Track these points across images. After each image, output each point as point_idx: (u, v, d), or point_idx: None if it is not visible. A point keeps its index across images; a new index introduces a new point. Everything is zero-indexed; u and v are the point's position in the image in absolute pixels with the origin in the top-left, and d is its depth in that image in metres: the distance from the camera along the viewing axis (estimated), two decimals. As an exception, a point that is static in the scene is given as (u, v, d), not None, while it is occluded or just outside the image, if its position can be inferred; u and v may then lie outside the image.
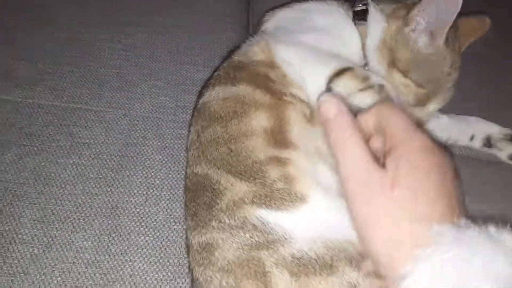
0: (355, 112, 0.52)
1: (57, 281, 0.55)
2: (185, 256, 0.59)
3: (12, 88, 0.72)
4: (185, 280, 0.58)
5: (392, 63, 0.66)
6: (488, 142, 0.76)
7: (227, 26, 0.92)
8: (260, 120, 0.56)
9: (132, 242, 0.60)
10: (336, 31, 0.70)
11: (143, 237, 0.60)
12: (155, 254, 0.59)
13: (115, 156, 0.67)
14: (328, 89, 0.61)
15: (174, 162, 0.68)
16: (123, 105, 0.74)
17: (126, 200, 0.63)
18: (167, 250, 0.60)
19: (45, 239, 0.58)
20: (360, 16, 0.70)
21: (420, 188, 0.42)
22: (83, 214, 0.61)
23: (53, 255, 0.57)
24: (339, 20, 0.71)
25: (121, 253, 0.59)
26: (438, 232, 0.39)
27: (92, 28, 0.84)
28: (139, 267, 0.58)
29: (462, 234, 0.38)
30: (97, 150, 0.68)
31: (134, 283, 0.57)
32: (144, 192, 0.64)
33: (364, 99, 0.60)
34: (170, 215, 0.63)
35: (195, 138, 0.59)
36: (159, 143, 0.70)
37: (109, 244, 0.59)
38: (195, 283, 0.52)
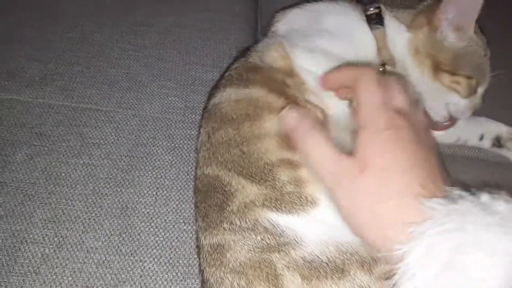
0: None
1: (68, 281, 0.56)
2: (195, 256, 0.59)
3: (23, 88, 0.73)
4: (195, 280, 0.58)
5: (437, 67, 0.69)
6: (498, 142, 0.76)
7: (235, 26, 0.91)
8: (273, 123, 0.56)
9: (142, 242, 0.60)
10: (352, 35, 0.71)
11: (153, 237, 0.60)
12: (165, 254, 0.59)
13: (125, 157, 0.68)
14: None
15: (184, 163, 0.68)
16: (132, 106, 0.74)
17: (136, 201, 0.63)
18: (177, 250, 0.60)
19: (56, 239, 0.58)
20: (374, 20, 0.71)
21: (390, 164, 0.43)
22: (93, 214, 0.61)
23: (64, 255, 0.57)
24: (354, 23, 0.71)
25: (131, 253, 0.59)
26: (429, 206, 0.38)
27: (103, 28, 0.84)
28: (149, 267, 0.58)
29: (454, 206, 0.38)
30: (107, 150, 0.68)
31: (144, 283, 0.57)
32: (154, 193, 0.65)
33: None
34: (180, 216, 0.63)
35: (206, 139, 0.59)
36: (168, 144, 0.70)
37: (119, 244, 0.59)
38: (205, 284, 0.53)
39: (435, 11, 0.67)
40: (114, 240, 0.59)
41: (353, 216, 0.44)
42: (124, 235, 0.60)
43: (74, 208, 0.61)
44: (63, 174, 0.64)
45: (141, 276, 0.57)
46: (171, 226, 0.62)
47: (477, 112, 0.78)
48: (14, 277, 0.55)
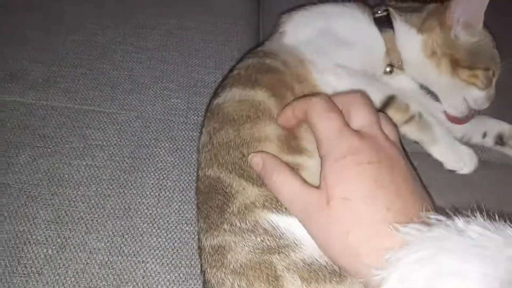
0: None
1: (71, 281, 0.56)
2: (197, 257, 0.59)
3: (26, 90, 0.73)
4: (197, 281, 0.58)
5: (455, 65, 0.72)
6: (501, 140, 0.76)
7: (238, 28, 0.92)
8: (273, 128, 0.56)
9: (144, 243, 0.60)
10: (364, 41, 0.73)
11: (155, 238, 0.61)
12: (167, 255, 0.59)
13: (128, 158, 0.68)
14: None
15: (186, 164, 0.69)
16: (135, 107, 0.74)
17: (139, 202, 0.64)
18: (179, 251, 0.60)
19: (59, 240, 0.59)
20: (383, 23, 0.72)
21: (351, 192, 0.43)
22: (96, 216, 0.61)
23: (66, 256, 0.57)
24: (365, 28, 0.73)
25: (134, 254, 0.59)
26: (405, 232, 0.38)
27: (105, 30, 0.85)
28: (152, 268, 0.58)
29: (429, 233, 0.37)
30: (110, 152, 0.68)
31: (147, 284, 0.57)
32: (156, 194, 0.65)
33: (408, 131, 0.69)
34: (182, 217, 0.63)
35: (207, 140, 0.59)
36: (171, 145, 0.70)
37: (122, 245, 0.59)
38: (207, 285, 0.53)
39: (445, 12, 0.70)
40: (117, 241, 0.60)
41: (327, 247, 0.44)
42: (127, 236, 0.60)
43: (77, 209, 0.62)
44: (66, 176, 0.65)
45: (143, 277, 0.57)
46: (173, 227, 0.62)
47: (480, 111, 0.79)
48: (17, 277, 0.55)
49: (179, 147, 0.70)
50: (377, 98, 0.67)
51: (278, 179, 0.49)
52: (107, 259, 0.58)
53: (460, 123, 0.77)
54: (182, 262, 0.59)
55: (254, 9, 1.01)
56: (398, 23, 0.74)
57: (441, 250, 0.36)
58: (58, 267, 0.57)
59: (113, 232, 0.60)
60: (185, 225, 0.62)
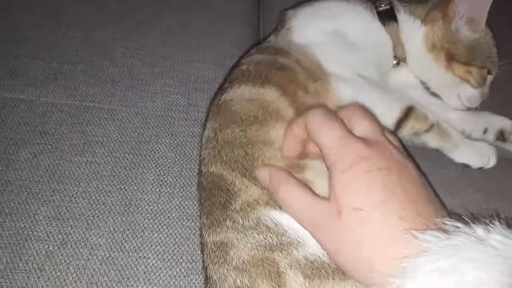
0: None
1: (72, 277, 0.56)
2: (199, 253, 0.59)
3: (26, 87, 0.73)
4: (199, 276, 0.58)
5: (451, 59, 0.72)
6: (502, 135, 0.76)
7: (238, 24, 0.92)
8: (279, 133, 0.56)
9: (145, 239, 0.60)
10: (373, 40, 0.74)
11: (156, 234, 0.61)
12: (168, 251, 0.59)
13: (128, 154, 0.68)
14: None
15: (187, 160, 0.69)
16: (135, 104, 0.74)
17: (140, 198, 0.63)
18: (181, 247, 0.60)
19: (60, 236, 0.59)
20: (387, 17, 0.73)
21: (362, 202, 0.42)
22: (97, 212, 0.61)
23: (68, 252, 0.57)
24: (371, 26, 0.75)
25: (135, 250, 0.59)
26: (423, 239, 0.37)
27: (105, 27, 0.85)
28: (153, 264, 0.58)
29: (449, 241, 0.36)
30: (110, 148, 0.68)
31: (148, 279, 0.57)
32: (157, 190, 0.65)
33: (430, 139, 0.69)
34: (183, 212, 0.63)
35: (212, 136, 0.59)
36: (171, 141, 0.70)
37: (123, 241, 0.59)
38: (209, 281, 0.53)
39: (449, 4, 0.70)
40: (118, 237, 0.60)
41: (339, 258, 0.43)
42: (128, 232, 0.60)
43: (78, 206, 0.62)
44: (67, 172, 0.64)
45: (145, 273, 0.57)
46: (174, 223, 0.62)
47: (481, 107, 0.79)
48: (18, 274, 0.55)
49: (179, 143, 0.70)
50: (397, 108, 0.68)
51: (285, 191, 0.48)
52: (108, 255, 0.58)
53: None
54: (184, 257, 0.59)
55: (254, 5, 1.01)
56: (402, 15, 0.75)
57: (463, 259, 0.35)
58: (60, 263, 0.57)
59: (114, 228, 0.60)
60: (186, 220, 0.62)
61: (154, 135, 0.71)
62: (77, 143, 0.68)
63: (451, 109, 0.78)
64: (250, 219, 0.51)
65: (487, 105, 0.80)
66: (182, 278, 0.58)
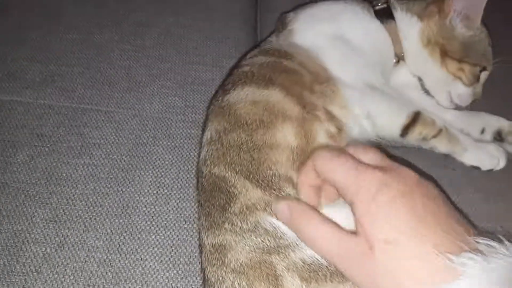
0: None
1: (70, 280, 0.56)
2: (196, 255, 0.59)
3: (24, 89, 0.73)
4: (196, 278, 0.58)
5: (444, 55, 0.73)
6: (499, 135, 0.76)
7: (235, 25, 0.92)
8: (286, 134, 0.56)
9: (143, 241, 0.60)
10: (374, 41, 0.75)
11: (154, 236, 0.61)
12: (166, 253, 0.59)
13: (126, 156, 0.68)
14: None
15: (184, 162, 0.69)
16: (133, 106, 0.74)
17: (137, 200, 0.63)
18: (178, 249, 0.60)
19: (57, 238, 0.59)
20: (384, 15, 0.74)
21: (393, 235, 0.40)
22: (94, 214, 0.61)
23: (65, 254, 0.57)
24: (371, 27, 0.76)
25: (133, 252, 0.59)
26: (460, 262, 0.36)
27: (102, 29, 0.85)
28: (150, 266, 0.58)
29: (487, 264, 0.35)
30: (108, 150, 0.68)
31: (146, 281, 0.57)
32: (155, 192, 0.65)
33: (438, 144, 0.69)
34: (181, 214, 0.63)
35: (216, 138, 0.59)
36: (169, 143, 0.70)
37: (121, 243, 0.59)
38: (206, 283, 0.53)
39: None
40: (115, 239, 0.60)
41: None
42: (125, 234, 0.60)
43: (75, 208, 0.62)
44: (64, 174, 0.64)
45: (142, 275, 0.57)
46: (171, 225, 0.62)
47: (478, 107, 0.79)
48: (16, 276, 0.55)
49: (177, 145, 0.70)
50: (404, 113, 0.68)
51: (309, 228, 0.45)
52: (105, 257, 0.58)
53: None
54: (181, 259, 0.59)
55: (252, 6, 1.01)
56: (399, 13, 0.76)
57: (506, 282, 0.34)
58: (57, 265, 0.57)
59: (111, 230, 0.60)
60: (184, 222, 0.62)
61: (152, 137, 0.71)
62: (75, 145, 0.68)
63: (449, 110, 0.78)
64: (248, 222, 0.51)
65: (484, 105, 0.80)
66: (179, 280, 0.58)
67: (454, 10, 0.72)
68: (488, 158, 0.71)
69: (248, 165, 0.54)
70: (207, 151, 0.59)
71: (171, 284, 0.57)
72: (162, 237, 0.61)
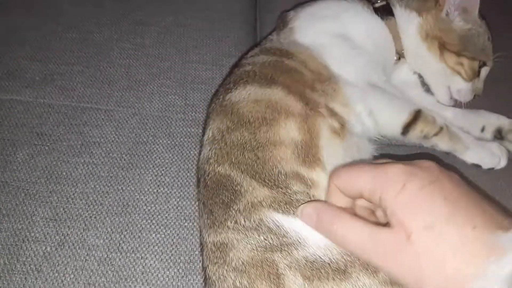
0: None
1: (70, 278, 0.56)
2: (196, 253, 0.59)
3: (24, 88, 0.73)
4: (196, 277, 0.58)
5: (443, 48, 0.74)
6: (499, 133, 0.76)
7: (234, 24, 0.92)
8: (289, 130, 0.57)
9: (143, 239, 0.60)
10: (376, 39, 0.75)
11: (154, 234, 0.61)
12: (166, 251, 0.59)
13: (126, 155, 0.68)
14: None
15: (184, 160, 0.69)
16: (132, 104, 0.74)
17: (137, 198, 0.63)
18: (178, 247, 0.60)
19: (57, 237, 0.59)
20: (384, 12, 0.74)
21: (434, 218, 0.39)
22: (94, 212, 0.61)
23: (65, 253, 0.57)
24: (372, 22, 0.77)
25: (133, 251, 0.59)
26: (508, 239, 0.35)
27: (102, 28, 0.85)
28: (151, 264, 0.58)
29: None
30: (108, 149, 0.68)
31: (146, 280, 0.57)
32: (155, 190, 0.65)
33: (440, 142, 0.70)
34: (181, 213, 0.63)
35: (219, 137, 0.59)
36: (168, 142, 0.70)
37: (121, 242, 0.59)
38: (207, 281, 0.53)
39: None
40: (116, 238, 0.60)
41: (422, 283, 0.39)
42: (125, 232, 0.60)
43: (75, 207, 0.61)
44: (64, 173, 0.64)
45: (142, 273, 0.57)
46: (172, 223, 0.62)
47: (478, 105, 0.79)
48: (16, 275, 0.55)
49: (177, 143, 0.70)
50: (406, 111, 0.68)
51: (341, 228, 0.44)
52: (106, 255, 0.58)
53: None
54: (181, 258, 0.59)
55: (251, 5, 1.01)
56: (398, 10, 0.77)
57: None
58: (57, 264, 0.56)
59: (111, 229, 0.60)
60: (184, 221, 0.62)
61: (152, 135, 0.71)
62: (74, 144, 0.68)
63: (449, 107, 0.79)
64: (252, 220, 0.51)
65: (484, 103, 0.80)
66: (180, 278, 0.58)
67: (450, 2, 0.73)
68: (489, 157, 0.71)
69: (253, 165, 0.54)
70: (209, 150, 0.59)
71: (172, 282, 0.57)
72: (162, 236, 0.61)
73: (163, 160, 0.68)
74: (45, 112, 0.71)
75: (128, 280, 0.57)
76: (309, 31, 0.72)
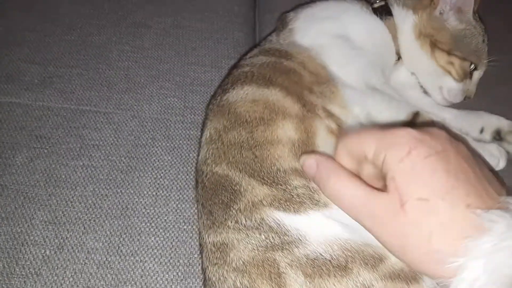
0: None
1: (69, 281, 0.56)
2: (196, 256, 0.59)
3: (23, 91, 0.73)
4: (196, 280, 0.58)
5: (434, 45, 0.74)
6: (498, 135, 0.76)
7: (234, 26, 0.92)
8: (286, 130, 0.57)
9: (142, 242, 0.60)
10: (377, 40, 0.75)
11: (153, 237, 0.61)
12: (165, 254, 0.59)
13: (125, 158, 0.68)
14: None
15: (183, 163, 0.68)
16: (131, 107, 0.74)
17: (136, 201, 0.63)
18: (177, 250, 0.60)
19: (56, 240, 0.59)
20: (383, 12, 0.76)
21: (431, 191, 0.39)
22: (93, 216, 0.61)
23: (64, 256, 0.57)
24: (371, 22, 0.78)
25: (132, 254, 0.59)
26: (487, 218, 0.35)
27: (101, 30, 0.85)
28: (150, 268, 0.58)
29: None
30: (107, 152, 0.68)
31: (145, 283, 0.57)
32: (154, 193, 0.65)
33: None
34: (180, 216, 0.63)
35: (216, 137, 0.59)
36: (167, 144, 0.70)
37: (120, 245, 0.59)
38: (207, 283, 0.53)
39: None
40: (115, 241, 0.60)
41: (405, 253, 0.40)
42: (125, 235, 0.60)
43: (74, 210, 0.61)
44: (63, 176, 0.64)
45: (141, 276, 0.57)
46: (171, 226, 0.62)
47: (477, 106, 0.79)
48: (15, 278, 0.55)
49: (176, 146, 0.70)
50: (404, 113, 0.68)
51: (337, 183, 0.44)
52: (105, 259, 0.58)
53: None
54: (180, 261, 0.59)
55: (251, 6, 1.01)
56: (396, 9, 0.77)
57: None
58: (56, 267, 0.56)
59: (110, 232, 0.60)
60: (183, 223, 0.62)
61: (151, 138, 0.71)
62: (74, 147, 0.68)
63: (448, 109, 0.79)
64: (253, 219, 0.51)
65: (483, 104, 0.80)
66: (179, 281, 0.58)
67: (445, 1, 0.73)
68: (488, 158, 0.71)
69: (251, 163, 0.54)
70: (207, 150, 0.59)
71: (171, 285, 0.57)
72: (162, 239, 0.61)
73: (162, 163, 0.68)
74: (44, 115, 0.71)
75: (127, 283, 0.57)
76: (309, 32, 0.72)
